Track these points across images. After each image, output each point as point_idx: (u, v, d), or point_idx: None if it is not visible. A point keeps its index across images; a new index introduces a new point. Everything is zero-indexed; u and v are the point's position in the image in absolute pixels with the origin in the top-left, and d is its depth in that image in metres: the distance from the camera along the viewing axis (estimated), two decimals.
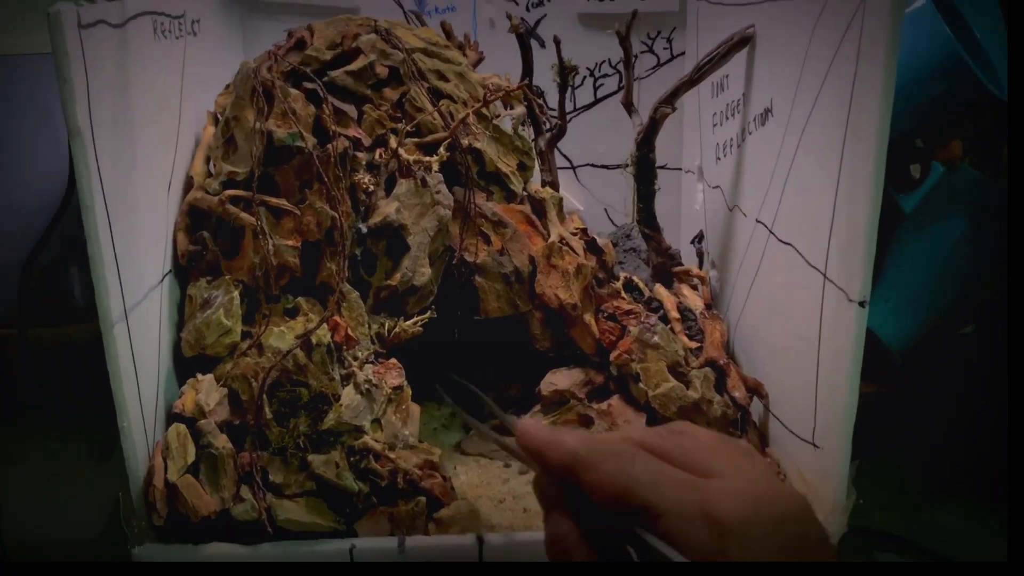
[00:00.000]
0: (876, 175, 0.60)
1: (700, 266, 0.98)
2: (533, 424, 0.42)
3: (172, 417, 0.69)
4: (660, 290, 0.90)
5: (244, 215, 0.71)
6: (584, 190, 1.07)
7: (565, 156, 1.05)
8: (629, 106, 0.88)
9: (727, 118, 0.88)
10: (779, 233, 0.75)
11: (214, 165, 0.75)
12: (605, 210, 1.08)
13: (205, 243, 0.73)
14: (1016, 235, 0.70)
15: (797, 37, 0.70)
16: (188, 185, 0.76)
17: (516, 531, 0.70)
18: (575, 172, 1.07)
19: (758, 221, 0.80)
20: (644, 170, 0.87)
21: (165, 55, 0.73)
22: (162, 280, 0.71)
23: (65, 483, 0.88)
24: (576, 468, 0.39)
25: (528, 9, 0.99)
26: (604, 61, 1.02)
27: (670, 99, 0.83)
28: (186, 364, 0.72)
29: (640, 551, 0.37)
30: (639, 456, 0.38)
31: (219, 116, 0.77)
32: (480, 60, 0.92)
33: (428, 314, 0.75)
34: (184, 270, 0.74)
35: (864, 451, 0.84)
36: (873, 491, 0.71)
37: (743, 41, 0.80)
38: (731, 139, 0.87)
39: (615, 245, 0.98)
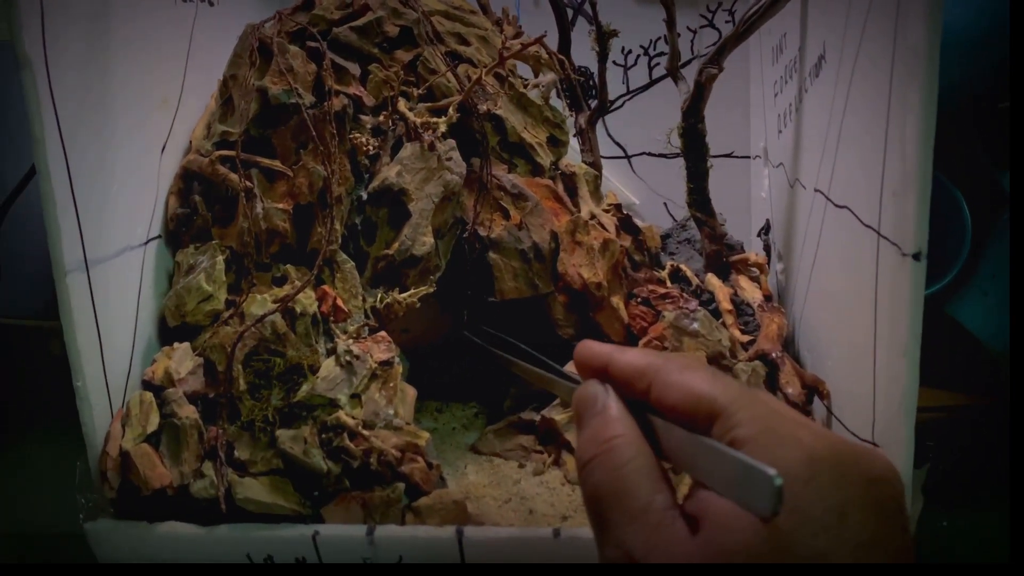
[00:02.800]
0: (925, 109, 0.48)
1: (768, 260, 0.86)
2: (593, 341, 0.41)
3: (143, 385, 0.64)
4: (712, 280, 0.79)
5: (232, 175, 0.67)
6: (640, 182, 0.98)
7: (619, 144, 0.97)
8: (675, 73, 0.79)
9: (786, 82, 0.78)
10: (835, 197, 0.64)
11: (211, 127, 0.72)
12: (665, 204, 0.98)
13: (196, 207, 0.69)
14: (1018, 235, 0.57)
15: None
16: (190, 150, 0.73)
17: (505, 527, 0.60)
18: (630, 162, 0.98)
19: (816, 190, 0.69)
20: (693, 144, 0.78)
21: (165, 14, 0.70)
22: (146, 243, 0.67)
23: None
24: (648, 370, 0.37)
25: None
26: (659, 38, 0.93)
27: (716, 58, 0.74)
28: (172, 334, 0.68)
29: (702, 466, 0.33)
30: (726, 375, 0.36)
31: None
32: (518, 35, 0.86)
33: (426, 287, 0.68)
34: (179, 237, 0.70)
35: (965, 472, 0.71)
36: None
37: None
38: (790, 104, 0.77)
39: (668, 237, 0.88)
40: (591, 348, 0.40)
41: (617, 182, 0.96)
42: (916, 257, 0.50)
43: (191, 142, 0.73)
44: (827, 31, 0.65)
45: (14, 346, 0.91)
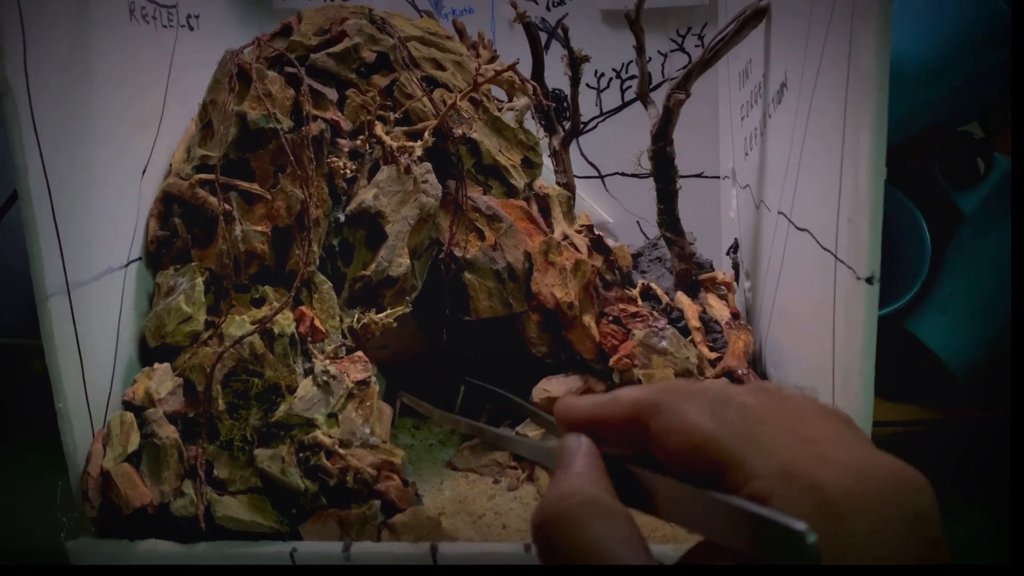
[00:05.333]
0: (876, 136, 0.51)
1: (736, 278, 0.88)
2: (573, 397, 0.36)
3: (124, 406, 0.65)
4: (681, 298, 0.81)
5: (211, 198, 0.68)
6: (613, 201, 1.00)
7: (592, 164, 0.99)
8: (645, 98, 0.81)
9: (752, 106, 0.80)
10: (796, 220, 0.67)
11: (191, 151, 0.73)
12: (638, 223, 1.00)
13: (176, 230, 0.70)
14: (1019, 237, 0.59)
15: None
16: (170, 174, 0.74)
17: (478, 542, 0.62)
18: (603, 181, 1.00)
19: (779, 212, 0.72)
20: (662, 166, 0.80)
21: (146, 40, 0.71)
22: (127, 265, 0.68)
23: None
24: (641, 413, 0.32)
25: (549, 8, 0.95)
26: (631, 61, 0.95)
27: (683, 84, 0.76)
28: (152, 355, 0.69)
29: (710, 523, 0.28)
30: (732, 401, 0.31)
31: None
32: (494, 59, 0.88)
33: (402, 307, 0.70)
34: (159, 259, 0.72)
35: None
36: None
37: (757, 15, 0.72)
38: (755, 128, 0.79)
39: (639, 255, 0.90)
40: (572, 406, 0.35)
41: (591, 201, 0.98)
42: (869, 280, 0.52)
43: (171, 165, 0.74)
44: (788, 59, 0.67)
45: None
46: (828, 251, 0.59)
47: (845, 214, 0.56)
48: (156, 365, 0.67)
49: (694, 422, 0.30)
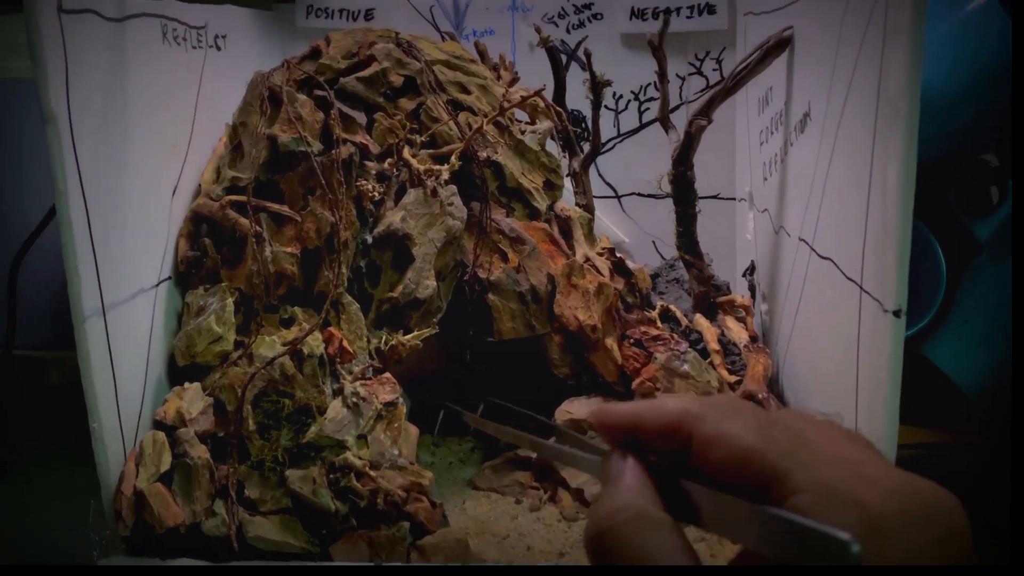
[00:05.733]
0: (906, 172, 0.52)
1: (752, 300, 0.90)
2: (613, 402, 0.36)
3: (155, 425, 0.66)
4: (700, 320, 0.82)
5: (242, 220, 0.69)
6: (630, 221, 1.01)
7: (609, 185, 1.00)
8: (665, 121, 0.83)
9: (772, 133, 0.82)
10: (819, 248, 0.68)
11: (220, 172, 0.74)
12: (653, 243, 1.02)
13: (206, 250, 0.71)
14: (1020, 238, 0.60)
15: (829, 30, 0.63)
16: (199, 194, 0.75)
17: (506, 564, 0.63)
18: (620, 202, 1.01)
19: (801, 239, 0.73)
20: (682, 190, 0.81)
21: (177, 61, 0.72)
22: (157, 285, 0.69)
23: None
24: (685, 421, 0.32)
25: (569, 31, 0.96)
26: (649, 84, 0.97)
27: (706, 111, 0.77)
28: (181, 374, 0.70)
29: (755, 534, 0.29)
30: (776, 420, 0.31)
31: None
32: (515, 81, 0.89)
33: (429, 328, 0.71)
34: (189, 279, 0.72)
35: None
36: None
37: (780, 45, 0.73)
38: (775, 154, 0.80)
39: (657, 276, 0.92)
40: (612, 412, 0.35)
41: (608, 221, 0.99)
42: (896, 314, 0.53)
43: (200, 185, 0.75)
44: (812, 91, 0.68)
45: (16, 375, 0.93)
46: (853, 281, 0.60)
47: (871, 246, 0.57)
48: (186, 385, 0.67)
49: (741, 435, 0.31)
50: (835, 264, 0.64)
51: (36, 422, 0.96)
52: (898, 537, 0.28)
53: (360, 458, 0.63)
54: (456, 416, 0.61)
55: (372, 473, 0.62)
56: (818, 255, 0.68)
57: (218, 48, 0.80)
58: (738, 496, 0.30)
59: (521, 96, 0.76)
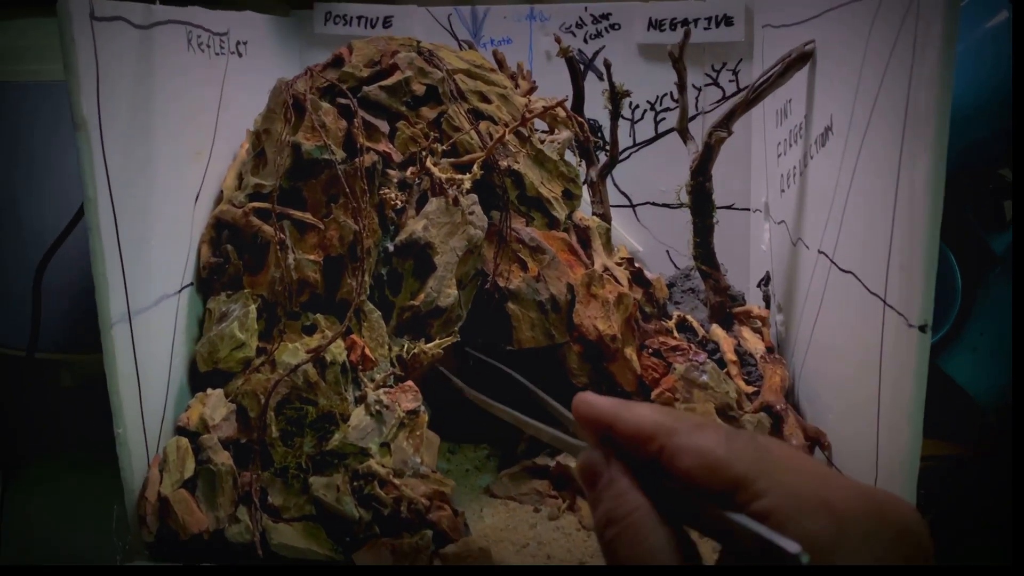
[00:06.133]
0: (934, 188, 0.52)
1: (767, 310, 0.90)
2: (594, 394, 0.38)
3: (178, 431, 0.66)
4: (717, 331, 0.83)
5: (265, 227, 0.70)
6: (644, 230, 1.01)
7: (624, 194, 1.00)
8: (684, 132, 0.83)
9: (791, 145, 0.82)
10: (840, 261, 0.68)
11: (243, 178, 0.74)
12: (667, 252, 1.02)
13: (228, 256, 0.71)
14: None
15: (854, 45, 0.64)
16: (220, 199, 0.75)
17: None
18: (635, 211, 1.01)
19: (820, 252, 0.73)
20: (700, 201, 0.82)
21: (201, 68, 0.73)
22: (180, 291, 0.69)
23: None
24: (658, 433, 0.34)
25: (586, 41, 0.96)
26: (666, 94, 0.97)
27: (725, 122, 0.77)
28: (203, 380, 0.70)
29: (725, 536, 0.32)
30: (741, 434, 0.34)
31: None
32: (532, 90, 0.89)
33: (451, 337, 0.71)
34: (211, 284, 0.73)
35: (956, 522, 0.73)
36: None
37: (802, 58, 0.74)
38: (794, 167, 0.81)
39: (672, 286, 0.92)
40: (592, 405, 0.37)
41: (622, 230, 1.00)
42: (922, 329, 0.54)
43: (222, 191, 0.75)
44: (835, 104, 0.69)
45: (29, 377, 0.93)
46: (876, 295, 0.60)
47: (897, 260, 0.57)
48: (209, 391, 0.68)
49: (709, 446, 0.33)
50: (857, 277, 0.64)
51: (48, 425, 0.96)
52: (864, 532, 0.30)
53: (383, 466, 0.63)
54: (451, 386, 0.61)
55: (396, 481, 0.62)
56: (839, 268, 0.68)
57: (240, 54, 0.81)
58: (710, 499, 0.33)
59: (543, 106, 0.76)
